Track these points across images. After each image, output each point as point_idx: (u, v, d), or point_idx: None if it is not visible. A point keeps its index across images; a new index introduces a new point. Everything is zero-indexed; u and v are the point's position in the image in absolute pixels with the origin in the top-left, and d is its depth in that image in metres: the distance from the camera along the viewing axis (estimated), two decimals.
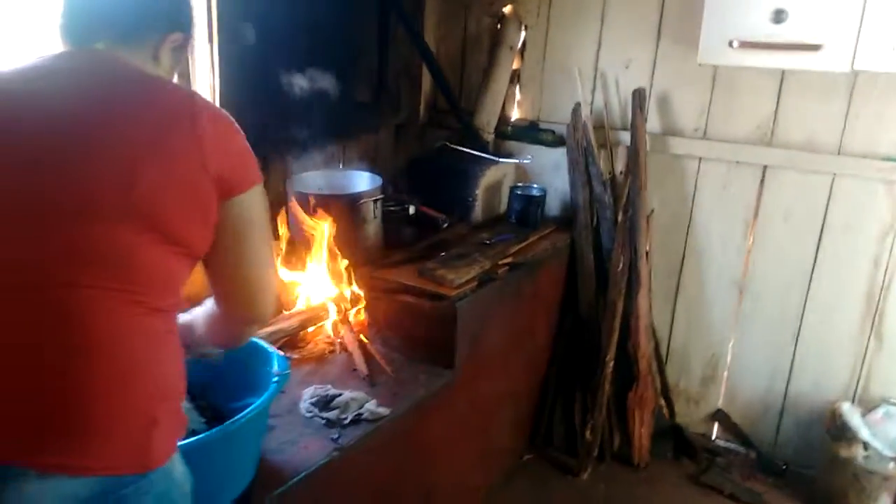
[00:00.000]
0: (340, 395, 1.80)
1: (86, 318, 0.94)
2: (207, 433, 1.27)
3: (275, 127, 2.30)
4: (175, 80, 1.23)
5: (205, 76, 2.18)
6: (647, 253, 2.61)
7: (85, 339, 0.93)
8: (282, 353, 1.62)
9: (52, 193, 0.94)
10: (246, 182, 1.08)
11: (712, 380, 2.79)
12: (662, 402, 2.80)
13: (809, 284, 2.51)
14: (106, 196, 0.95)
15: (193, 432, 1.34)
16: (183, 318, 1.30)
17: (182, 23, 1.17)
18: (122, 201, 0.95)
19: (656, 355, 2.79)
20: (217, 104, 2.16)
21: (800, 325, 2.56)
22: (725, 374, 2.76)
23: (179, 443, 1.20)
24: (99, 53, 1.06)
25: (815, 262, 2.49)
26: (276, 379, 1.45)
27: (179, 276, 1.06)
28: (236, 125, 1.10)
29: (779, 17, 2.06)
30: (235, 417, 1.31)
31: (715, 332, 2.74)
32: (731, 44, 2.14)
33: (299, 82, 2.39)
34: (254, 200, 1.10)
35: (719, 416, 2.81)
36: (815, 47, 2.03)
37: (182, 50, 1.19)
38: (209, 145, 1.01)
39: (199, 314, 1.32)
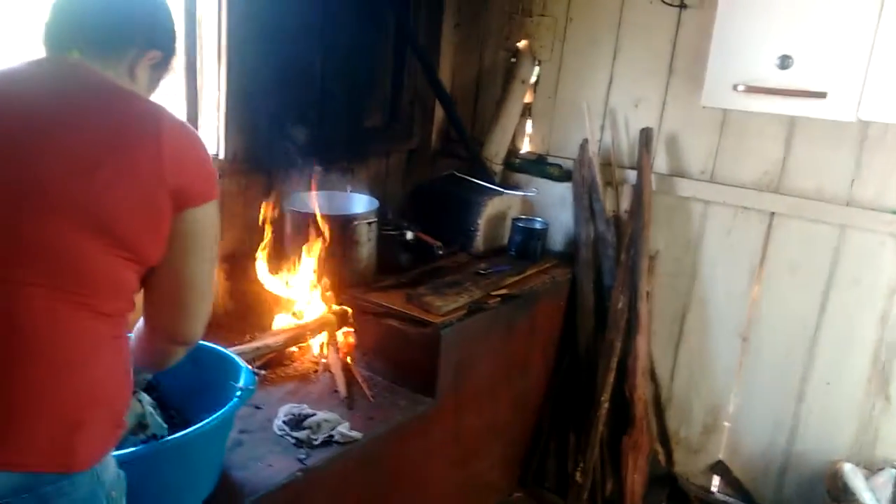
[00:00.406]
0: (314, 415, 1.79)
1: (23, 315, 0.95)
2: (156, 443, 1.27)
3: (282, 145, 2.33)
4: (150, 97, 1.24)
5: (212, 95, 2.23)
6: (647, 294, 2.57)
7: (18, 336, 0.94)
8: (254, 368, 1.62)
9: (5, 184, 0.96)
10: (201, 196, 1.09)
11: (714, 429, 2.70)
12: (660, 448, 2.72)
13: (815, 338, 2.43)
14: (57, 189, 0.96)
15: (155, 437, 1.34)
16: None
17: (161, 42, 1.19)
18: (74, 197, 0.97)
19: (656, 400, 2.73)
20: (223, 122, 2.23)
21: (804, 380, 2.47)
22: (727, 424, 2.67)
23: (130, 450, 1.21)
24: (71, 62, 1.09)
25: (820, 315, 2.41)
26: (238, 393, 1.44)
27: (127, 283, 1.06)
28: (201, 140, 1.12)
29: (785, 62, 2.03)
30: (188, 430, 1.30)
31: (717, 381, 2.66)
32: (735, 87, 2.11)
33: (310, 104, 2.44)
34: (206, 215, 1.10)
35: (719, 468, 2.71)
36: (821, 95, 1.99)
37: (161, 69, 1.21)
38: (169, 156, 1.03)
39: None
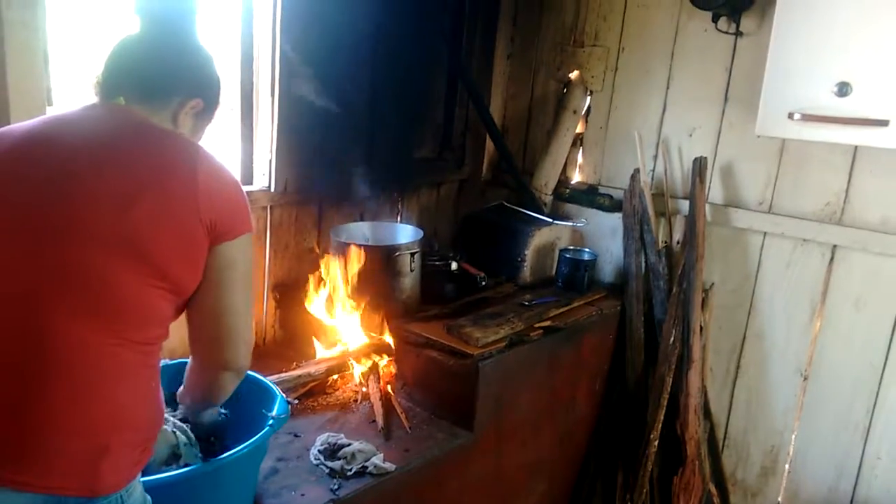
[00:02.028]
0: (349, 445, 1.80)
1: (53, 338, 1.00)
2: (185, 469, 1.30)
3: (332, 177, 2.39)
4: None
5: (265, 128, 2.31)
6: (701, 328, 2.48)
7: (46, 357, 1.00)
8: (289, 398, 1.65)
9: (51, 213, 1.04)
10: (235, 230, 1.15)
11: (772, 472, 2.57)
12: (714, 489, 2.60)
13: (882, 379, 2.29)
14: (100, 219, 1.04)
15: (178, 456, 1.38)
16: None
17: (203, 91, 1.26)
18: (115, 227, 1.04)
19: (710, 439, 2.62)
20: (275, 154, 2.31)
21: (870, 423, 2.33)
22: (787, 467, 2.54)
23: (160, 476, 1.25)
24: (119, 106, 1.18)
25: (888, 354, 2.27)
26: (271, 422, 1.47)
27: (162, 313, 1.12)
28: (234, 177, 1.19)
29: (843, 90, 1.94)
30: (217, 458, 1.33)
31: (777, 421, 2.53)
32: (791, 116, 2.03)
33: (361, 136, 2.49)
34: (240, 248, 1.17)
35: None
36: (882, 123, 1.90)
37: (204, 117, 1.28)
38: (204, 193, 1.10)
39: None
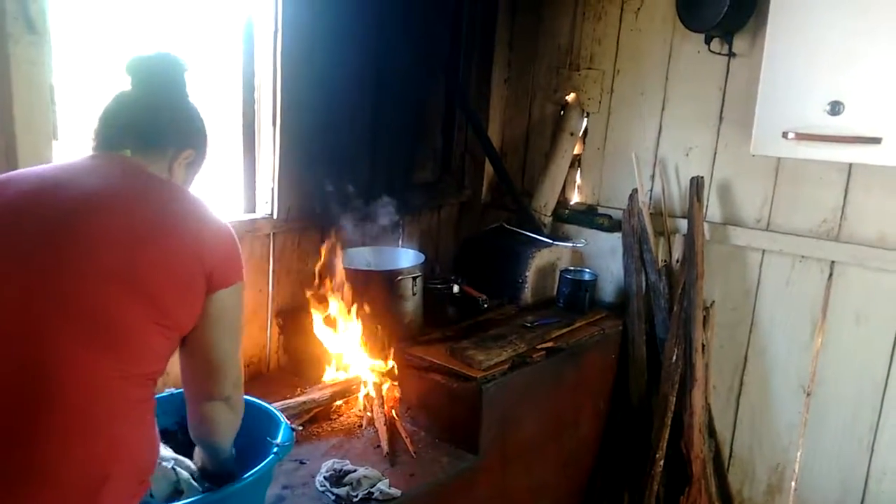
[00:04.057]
0: (354, 471, 1.80)
1: (59, 370, 1.02)
2: (191, 499, 1.31)
3: (334, 202, 2.41)
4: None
5: (267, 155, 2.34)
6: (703, 346, 2.49)
7: (52, 390, 1.02)
8: (293, 424, 1.66)
9: (59, 249, 1.07)
10: (230, 279, 1.23)
11: (779, 490, 2.56)
12: None
13: (884, 394, 2.29)
14: (107, 257, 1.08)
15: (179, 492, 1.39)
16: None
17: (195, 142, 1.34)
18: (122, 265, 1.09)
19: (716, 458, 2.61)
20: (277, 181, 2.33)
21: (874, 438, 2.33)
22: (793, 484, 2.53)
23: None
24: (124, 157, 1.24)
25: (889, 368, 2.27)
26: (275, 450, 1.48)
27: (161, 349, 1.16)
28: (231, 230, 1.27)
29: (835, 108, 1.98)
30: (222, 488, 1.34)
31: (781, 438, 2.53)
32: (785, 135, 2.06)
33: (361, 162, 2.51)
34: (233, 295, 1.25)
35: None
36: (875, 140, 1.93)
37: (195, 166, 1.37)
38: (208, 244, 1.19)
39: None
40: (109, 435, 1.07)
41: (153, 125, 1.27)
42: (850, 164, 2.27)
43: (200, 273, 1.16)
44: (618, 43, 2.77)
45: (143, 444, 1.14)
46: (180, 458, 1.45)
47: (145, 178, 1.21)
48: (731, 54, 2.47)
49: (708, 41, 2.48)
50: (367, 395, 2.15)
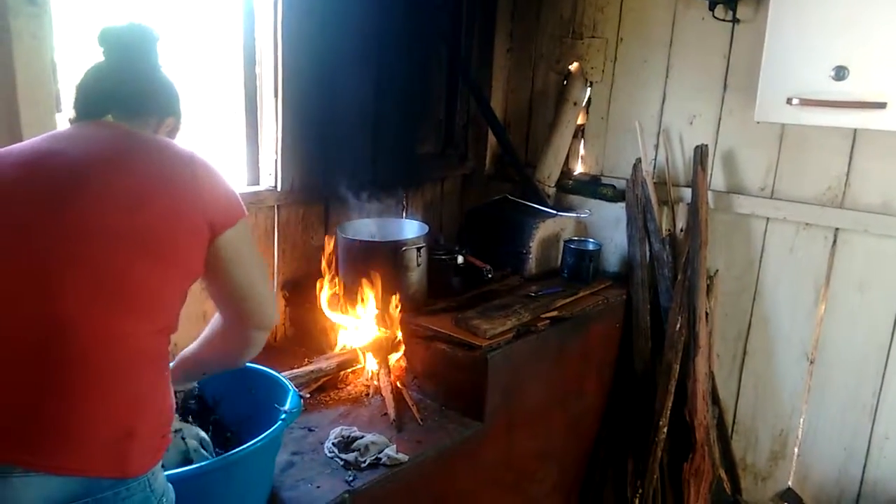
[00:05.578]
0: (362, 437, 1.83)
1: (79, 329, 1.04)
2: (201, 464, 1.33)
3: (337, 174, 2.42)
4: None
5: (269, 128, 2.34)
6: (707, 314, 2.50)
7: (70, 348, 1.03)
8: (301, 392, 1.68)
9: (64, 214, 1.08)
10: (233, 217, 1.25)
11: (782, 456, 2.59)
12: (725, 475, 2.63)
13: (887, 360, 2.31)
14: (112, 217, 1.10)
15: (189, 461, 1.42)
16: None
17: (174, 110, 1.36)
18: (128, 224, 1.10)
19: (720, 425, 2.64)
20: (280, 154, 2.34)
21: (877, 404, 2.35)
22: (796, 450, 2.56)
23: (177, 471, 1.29)
24: (110, 122, 1.25)
25: (892, 334, 2.29)
26: (283, 416, 1.50)
27: (173, 302, 1.18)
28: (223, 174, 1.28)
29: (840, 73, 1.96)
30: (234, 450, 1.37)
31: (785, 405, 2.55)
32: (790, 101, 2.05)
33: (364, 133, 2.51)
34: (241, 231, 1.28)
35: (789, 496, 2.59)
36: (880, 105, 1.91)
37: (174, 133, 1.39)
38: (205, 190, 1.20)
39: (191, 347, 1.48)
40: (130, 390, 1.09)
41: (133, 95, 1.28)
42: (855, 130, 2.26)
43: (203, 220, 1.18)
44: (621, 11, 2.74)
45: (163, 398, 1.17)
46: (187, 425, 1.48)
47: (137, 137, 1.23)
48: (735, 20, 2.45)
49: (712, 7, 2.45)
50: (373, 365, 2.17)
